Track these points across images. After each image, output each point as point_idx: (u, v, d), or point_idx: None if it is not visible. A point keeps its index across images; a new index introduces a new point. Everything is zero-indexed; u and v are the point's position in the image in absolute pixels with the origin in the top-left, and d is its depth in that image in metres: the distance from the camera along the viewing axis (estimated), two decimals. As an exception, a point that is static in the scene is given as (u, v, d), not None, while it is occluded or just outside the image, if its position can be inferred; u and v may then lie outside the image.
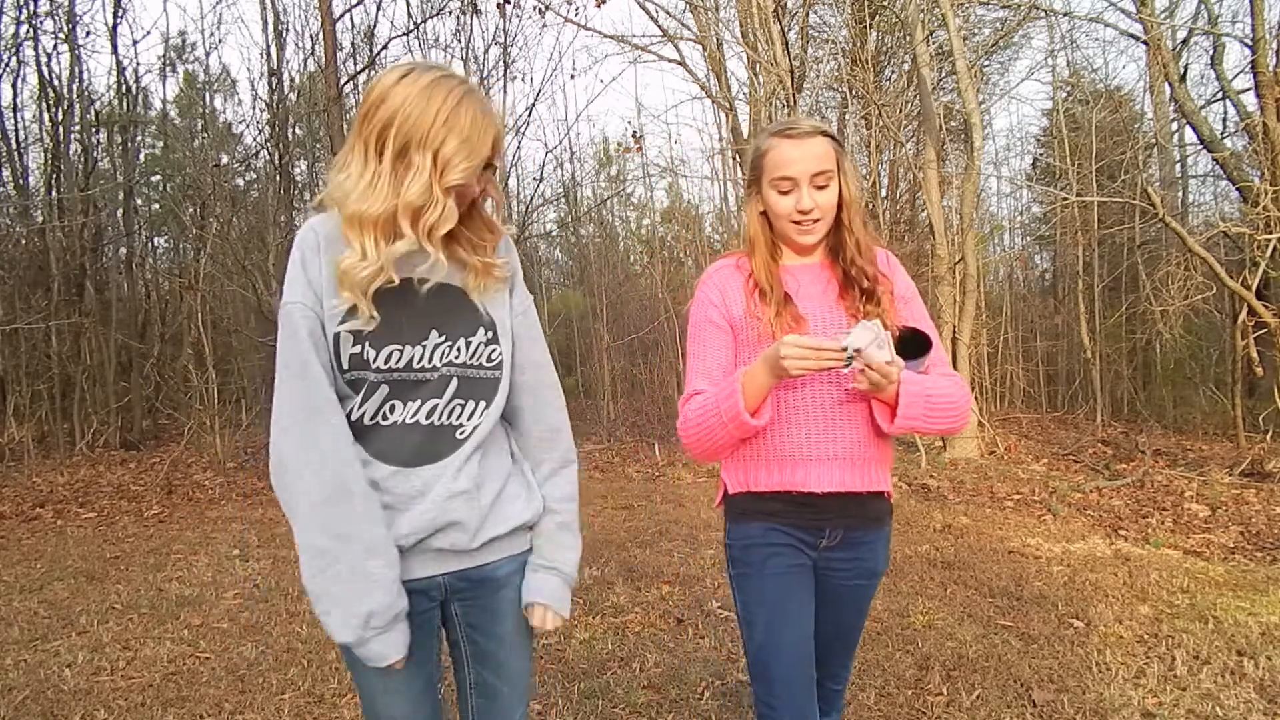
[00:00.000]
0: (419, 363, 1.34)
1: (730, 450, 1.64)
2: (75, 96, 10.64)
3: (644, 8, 9.65)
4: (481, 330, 1.40)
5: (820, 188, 1.59)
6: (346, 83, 10.16)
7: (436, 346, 1.35)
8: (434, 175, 1.27)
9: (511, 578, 1.47)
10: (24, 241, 10.38)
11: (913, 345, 1.61)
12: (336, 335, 1.30)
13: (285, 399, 1.30)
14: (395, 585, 1.31)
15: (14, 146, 10.67)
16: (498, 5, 10.22)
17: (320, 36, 9.62)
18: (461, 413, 1.38)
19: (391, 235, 1.29)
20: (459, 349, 1.38)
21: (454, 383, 1.37)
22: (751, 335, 1.61)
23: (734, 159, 11.07)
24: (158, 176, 13.87)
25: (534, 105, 15.79)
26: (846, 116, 12.30)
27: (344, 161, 1.33)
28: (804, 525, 1.62)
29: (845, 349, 1.43)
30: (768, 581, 1.62)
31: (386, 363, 1.32)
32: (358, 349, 1.31)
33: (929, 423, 1.56)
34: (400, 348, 1.33)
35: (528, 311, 1.49)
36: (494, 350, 1.42)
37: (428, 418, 1.35)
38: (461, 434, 1.38)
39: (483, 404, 1.40)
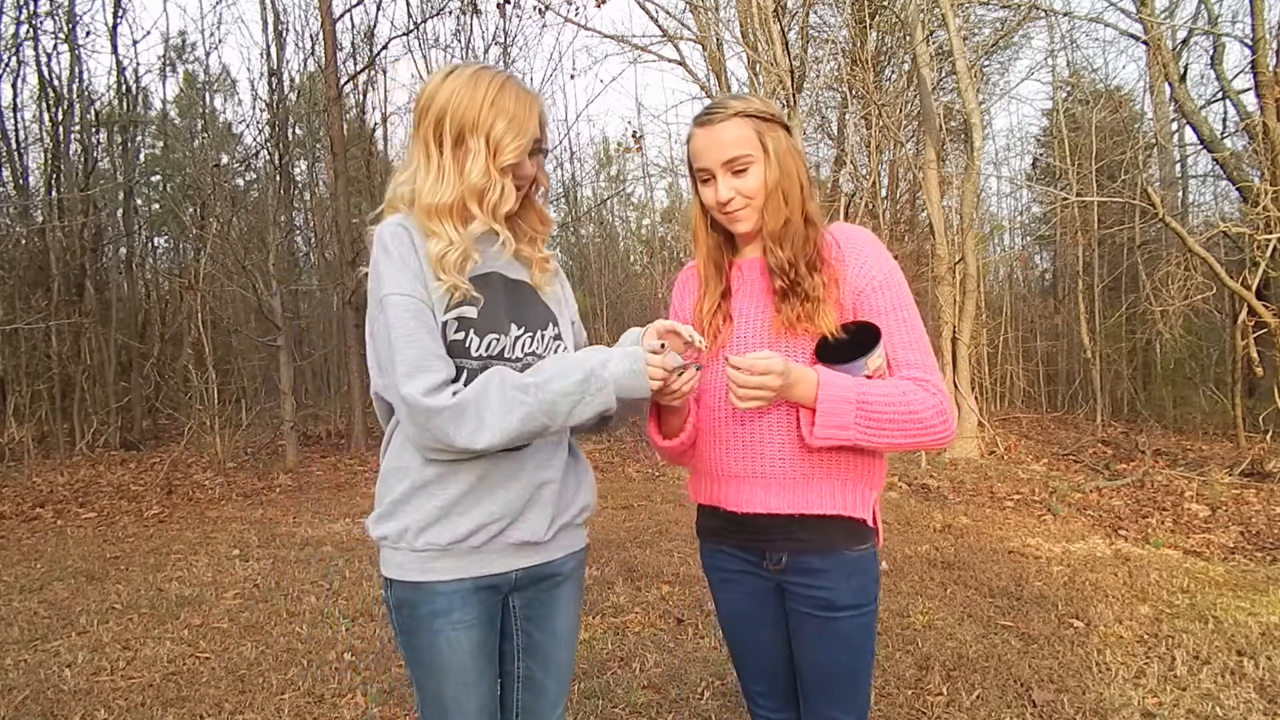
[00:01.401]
0: (509, 352, 1.40)
1: (682, 458, 1.59)
2: (75, 96, 10.66)
3: (644, 8, 9.66)
4: (550, 325, 1.47)
5: (739, 172, 1.44)
6: (346, 83, 10.17)
7: (518, 338, 1.41)
8: (489, 157, 1.35)
9: (574, 573, 1.52)
10: (24, 241, 10.39)
11: (852, 343, 1.40)
12: (444, 323, 1.35)
13: (404, 362, 1.31)
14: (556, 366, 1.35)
15: (14, 146, 10.69)
16: (498, 5, 10.22)
17: (320, 36, 9.62)
18: None
19: (465, 218, 1.37)
20: (536, 341, 1.44)
21: None
22: (698, 329, 1.55)
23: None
24: (158, 176, 13.89)
25: (534, 105, 15.70)
26: (846, 116, 12.31)
27: (406, 163, 1.43)
28: (745, 545, 1.52)
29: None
30: (721, 607, 1.61)
31: (487, 350, 1.38)
32: (460, 335, 1.36)
33: (870, 435, 1.36)
34: (498, 336, 1.39)
35: (576, 316, 1.58)
36: (559, 346, 1.48)
37: None
38: None
39: None
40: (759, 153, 1.44)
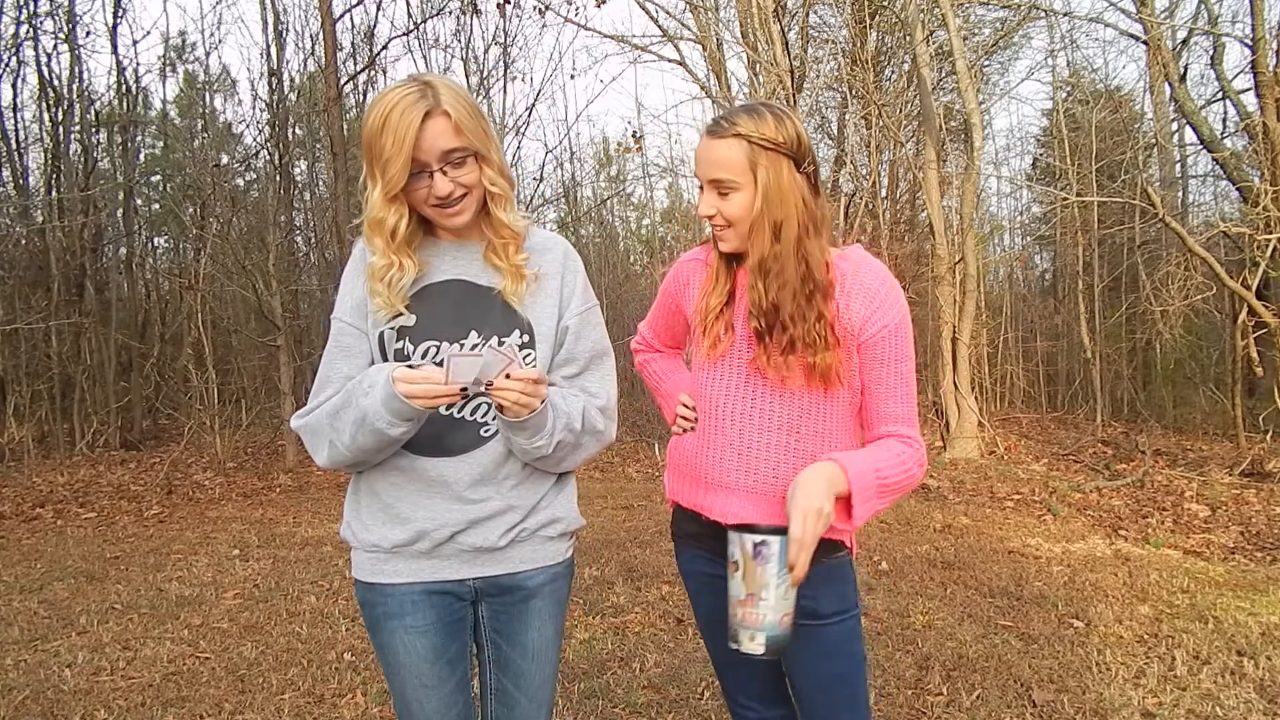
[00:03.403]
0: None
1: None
2: (75, 96, 10.65)
3: (644, 8, 9.67)
4: (517, 332, 1.42)
5: (723, 195, 1.39)
6: (346, 83, 10.16)
7: (475, 346, 1.38)
8: (381, 187, 1.31)
9: (543, 589, 1.47)
10: (24, 241, 10.38)
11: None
12: (381, 334, 1.38)
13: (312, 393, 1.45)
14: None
15: (14, 146, 10.68)
16: (498, 5, 10.21)
17: (320, 36, 9.62)
18: (489, 410, 1.38)
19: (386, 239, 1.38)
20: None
21: None
22: (698, 331, 1.52)
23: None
24: (158, 176, 13.88)
25: (534, 105, 15.73)
26: (846, 116, 12.30)
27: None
28: (723, 553, 1.44)
29: (464, 387, 1.23)
30: (702, 611, 1.59)
31: (424, 357, 1.37)
32: (400, 344, 1.38)
33: (883, 501, 1.37)
34: (438, 344, 1.37)
35: (586, 313, 1.49)
36: (528, 355, 1.42)
37: (446, 410, 1.36)
38: (486, 431, 1.40)
39: None
40: (747, 180, 1.36)
